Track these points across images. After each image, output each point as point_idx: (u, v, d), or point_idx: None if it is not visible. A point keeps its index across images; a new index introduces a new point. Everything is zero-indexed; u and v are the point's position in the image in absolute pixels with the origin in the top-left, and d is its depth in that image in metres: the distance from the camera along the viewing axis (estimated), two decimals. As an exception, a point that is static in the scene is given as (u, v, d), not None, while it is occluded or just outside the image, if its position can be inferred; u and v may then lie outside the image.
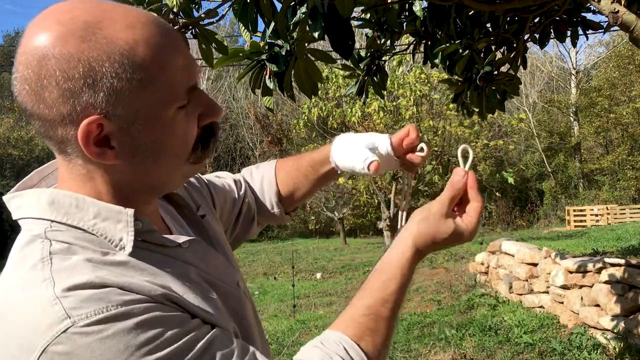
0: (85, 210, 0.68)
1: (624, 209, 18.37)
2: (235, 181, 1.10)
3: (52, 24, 0.62)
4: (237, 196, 1.07)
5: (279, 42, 1.73)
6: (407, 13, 2.37)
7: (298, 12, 1.54)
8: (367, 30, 2.47)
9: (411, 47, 2.55)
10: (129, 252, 0.67)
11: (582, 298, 5.03)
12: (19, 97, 0.65)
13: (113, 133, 0.65)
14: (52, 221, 0.67)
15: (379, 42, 2.38)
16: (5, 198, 0.72)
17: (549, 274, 5.69)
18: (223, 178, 1.09)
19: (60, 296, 0.59)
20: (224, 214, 1.03)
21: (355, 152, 0.97)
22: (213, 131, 0.75)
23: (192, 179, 0.98)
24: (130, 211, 0.69)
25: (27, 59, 0.62)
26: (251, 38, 1.77)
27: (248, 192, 1.10)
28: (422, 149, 0.98)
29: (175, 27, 0.72)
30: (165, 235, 0.74)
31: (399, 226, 0.97)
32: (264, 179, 1.11)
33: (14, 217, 0.70)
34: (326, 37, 1.45)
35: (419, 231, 0.82)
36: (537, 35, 2.56)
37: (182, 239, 0.75)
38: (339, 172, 1.05)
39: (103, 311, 0.59)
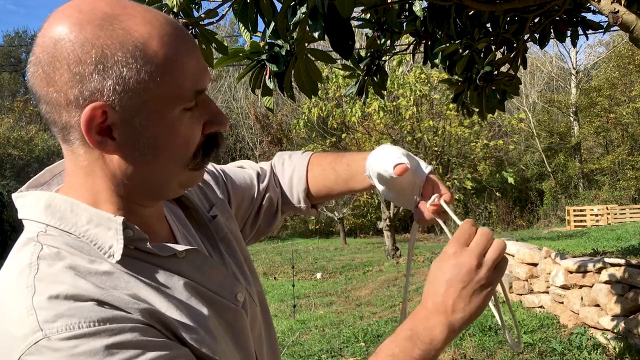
0: (79, 215, 0.68)
1: (624, 209, 18.38)
2: (258, 174, 1.06)
3: (73, 12, 0.64)
4: (256, 192, 1.04)
5: (279, 42, 1.73)
6: (407, 13, 2.37)
7: (298, 12, 1.54)
8: (367, 30, 2.47)
9: (411, 47, 2.55)
10: (118, 259, 0.67)
11: (582, 298, 5.03)
12: (31, 79, 0.66)
13: (116, 123, 0.65)
14: (48, 225, 0.68)
15: (379, 42, 2.38)
16: (13, 196, 0.73)
17: (549, 274, 5.69)
18: (245, 169, 1.06)
19: (37, 307, 0.60)
20: (240, 211, 1.01)
21: (390, 153, 0.89)
22: (217, 141, 0.74)
23: (208, 176, 0.96)
24: (120, 219, 0.68)
25: (44, 42, 0.64)
26: (251, 38, 1.77)
27: (271, 184, 1.06)
28: (440, 206, 0.87)
29: (183, 26, 0.72)
30: (162, 244, 0.73)
31: (406, 278, 0.96)
32: (295, 173, 1.06)
33: (19, 216, 0.72)
34: (326, 37, 1.46)
35: (446, 310, 0.75)
36: (537, 35, 2.56)
37: (178, 248, 0.74)
38: (368, 176, 0.97)
39: (75, 327, 0.59)
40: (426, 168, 0.90)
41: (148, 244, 0.71)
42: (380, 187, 0.93)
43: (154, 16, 0.67)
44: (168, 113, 0.67)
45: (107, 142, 0.66)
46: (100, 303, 0.62)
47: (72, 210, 0.69)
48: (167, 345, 0.65)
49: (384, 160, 0.88)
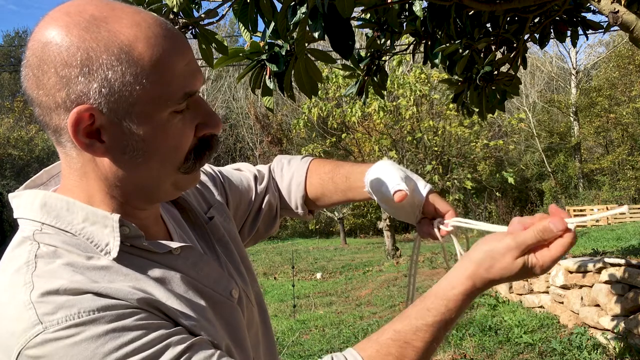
0: (75, 214, 0.69)
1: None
2: (255, 177, 1.06)
3: (62, 15, 0.64)
4: (254, 195, 1.04)
5: (279, 42, 1.73)
6: (407, 13, 2.37)
7: (298, 12, 1.54)
8: (367, 30, 2.47)
9: (411, 47, 2.55)
10: (115, 256, 0.67)
11: (582, 298, 5.03)
12: (24, 83, 0.66)
13: (104, 126, 0.65)
14: (43, 224, 0.68)
15: (379, 42, 2.38)
16: (10, 196, 0.73)
17: (549, 273, 5.69)
18: (243, 172, 1.06)
19: (35, 301, 0.60)
20: (238, 213, 1.02)
21: (390, 177, 0.89)
22: (210, 144, 0.73)
23: (206, 177, 0.96)
24: (116, 216, 0.69)
25: (34, 46, 0.64)
26: (251, 38, 1.77)
27: (270, 188, 1.06)
28: (444, 226, 0.88)
29: (175, 27, 0.71)
30: (158, 241, 0.74)
31: (409, 295, 0.94)
32: (293, 179, 1.06)
33: (14, 216, 0.72)
34: (326, 37, 1.45)
35: (479, 266, 0.74)
36: (537, 35, 2.56)
37: (173, 244, 0.74)
38: (368, 192, 0.97)
39: (74, 317, 0.60)
40: (425, 188, 0.91)
41: (144, 241, 0.71)
42: (380, 203, 0.93)
43: (143, 18, 0.66)
44: (156, 116, 0.66)
45: (95, 145, 0.66)
46: (99, 295, 0.62)
47: (68, 208, 0.69)
48: (167, 325, 0.66)
49: (383, 185, 0.89)
